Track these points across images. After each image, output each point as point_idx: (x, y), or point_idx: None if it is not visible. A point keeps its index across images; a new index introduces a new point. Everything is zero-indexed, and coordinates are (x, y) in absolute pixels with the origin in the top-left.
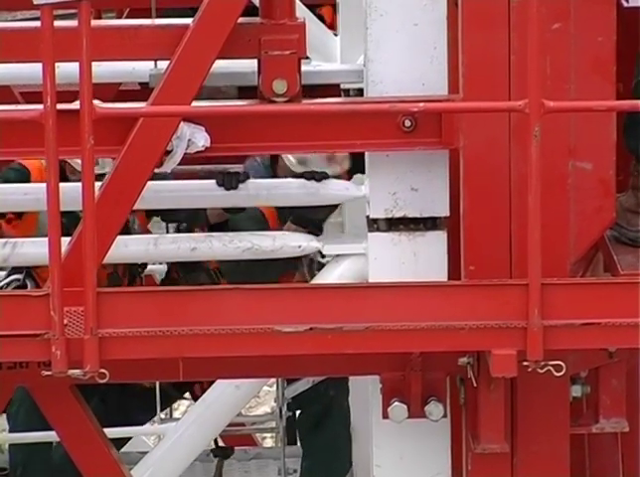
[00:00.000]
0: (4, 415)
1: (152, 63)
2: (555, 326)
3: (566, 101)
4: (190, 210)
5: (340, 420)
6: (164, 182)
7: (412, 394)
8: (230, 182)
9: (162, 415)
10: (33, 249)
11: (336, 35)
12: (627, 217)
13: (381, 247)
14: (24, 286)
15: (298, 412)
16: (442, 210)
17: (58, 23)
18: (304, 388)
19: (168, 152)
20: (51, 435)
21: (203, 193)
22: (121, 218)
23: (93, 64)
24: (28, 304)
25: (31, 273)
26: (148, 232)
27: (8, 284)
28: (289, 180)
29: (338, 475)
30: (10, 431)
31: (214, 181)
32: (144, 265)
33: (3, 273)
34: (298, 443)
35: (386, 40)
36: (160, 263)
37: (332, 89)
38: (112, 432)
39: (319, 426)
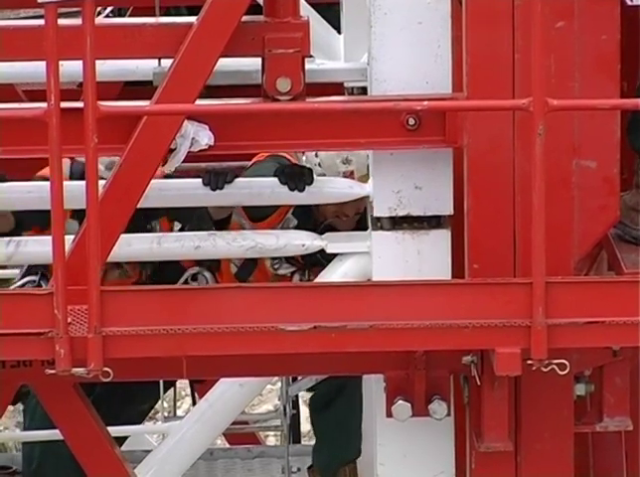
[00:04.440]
0: (11, 414)
1: (156, 61)
2: (559, 324)
3: (570, 100)
4: (192, 212)
5: (351, 401)
6: (168, 180)
7: (416, 392)
8: (215, 182)
9: (165, 414)
10: (37, 248)
11: (340, 33)
12: (631, 215)
13: (384, 246)
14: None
15: (310, 394)
16: (446, 208)
17: (61, 21)
18: (307, 386)
19: (172, 150)
20: (44, 434)
21: (207, 191)
22: (125, 216)
23: (97, 62)
24: (31, 302)
25: (46, 275)
26: None
27: (23, 285)
28: None
29: (348, 456)
30: (27, 426)
31: None
32: None
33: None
34: (302, 441)
35: (390, 38)
36: None
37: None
38: (116, 431)
39: (329, 406)
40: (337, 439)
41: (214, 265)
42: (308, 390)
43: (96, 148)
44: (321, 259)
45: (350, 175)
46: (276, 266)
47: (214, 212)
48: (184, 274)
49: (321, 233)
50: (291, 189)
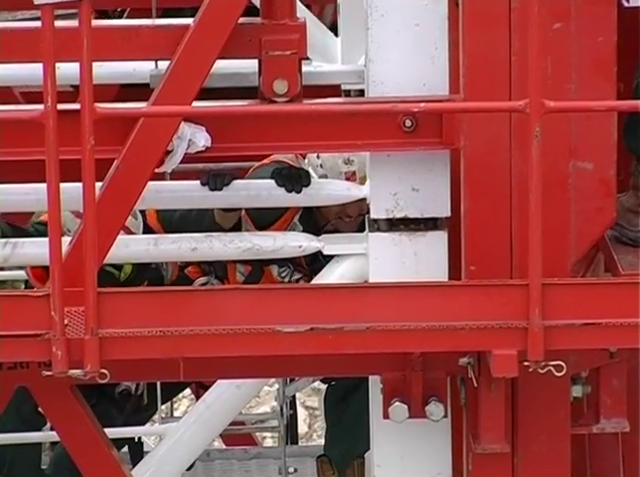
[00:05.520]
0: None
1: (153, 63)
2: (555, 326)
3: (567, 101)
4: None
5: (367, 396)
6: (165, 182)
7: (413, 394)
8: (214, 183)
9: (162, 415)
10: (33, 250)
11: (337, 35)
12: (628, 217)
13: (381, 248)
14: None
15: (326, 386)
16: (443, 210)
17: (58, 23)
18: (304, 387)
19: (168, 152)
20: (37, 436)
21: (204, 193)
22: (122, 218)
23: (94, 64)
24: (28, 304)
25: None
26: None
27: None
28: None
29: (362, 448)
30: None
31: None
32: None
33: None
34: (299, 442)
35: (387, 40)
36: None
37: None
38: (113, 432)
39: (346, 400)
40: (353, 432)
41: (221, 274)
42: (325, 382)
43: (93, 150)
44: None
45: (352, 175)
46: (283, 274)
47: (222, 221)
48: (192, 284)
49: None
50: (288, 191)
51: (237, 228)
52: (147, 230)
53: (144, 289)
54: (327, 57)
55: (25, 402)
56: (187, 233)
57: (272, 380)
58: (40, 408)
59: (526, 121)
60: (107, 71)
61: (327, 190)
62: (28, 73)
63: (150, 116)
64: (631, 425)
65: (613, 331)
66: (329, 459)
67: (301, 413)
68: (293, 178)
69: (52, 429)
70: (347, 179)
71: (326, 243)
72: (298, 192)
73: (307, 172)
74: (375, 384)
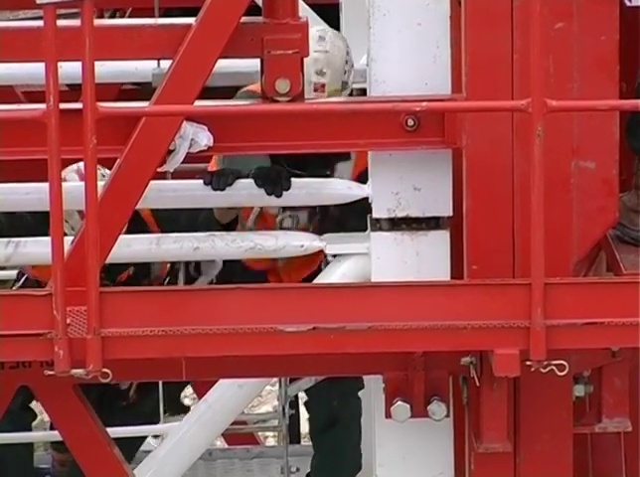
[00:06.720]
0: None
1: (155, 62)
2: (557, 325)
3: (569, 101)
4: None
5: (348, 425)
6: (167, 181)
7: (415, 393)
8: (217, 182)
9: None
10: (36, 249)
11: None
12: (630, 216)
13: (383, 247)
14: None
15: (308, 415)
16: (445, 209)
17: (60, 22)
18: (307, 386)
19: (171, 151)
20: (36, 436)
21: (205, 192)
22: (124, 217)
23: (96, 63)
24: (31, 304)
25: None
26: None
27: None
28: (292, 180)
29: (346, 474)
30: None
31: None
32: None
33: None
34: (301, 442)
35: (389, 39)
36: None
37: None
38: (116, 432)
39: (327, 430)
40: (336, 463)
41: None
42: (307, 409)
43: (95, 149)
44: None
45: (321, 88)
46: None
47: (221, 217)
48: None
49: None
50: (268, 194)
51: (234, 222)
52: (140, 221)
53: (146, 289)
54: None
55: (14, 399)
56: (179, 225)
57: (274, 379)
58: (29, 404)
59: (528, 120)
60: (109, 70)
61: (328, 189)
62: (30, 72)
63: (152, 116)
64: (633, 425)
65: (615, 330)
66: None
67: (303, 413)
68: (273, 180)
69: (52, 428)
70: (315, 90)
71: (328, 243)
72: (278, 196)
73: (287, 173)
74: (376, 383)
